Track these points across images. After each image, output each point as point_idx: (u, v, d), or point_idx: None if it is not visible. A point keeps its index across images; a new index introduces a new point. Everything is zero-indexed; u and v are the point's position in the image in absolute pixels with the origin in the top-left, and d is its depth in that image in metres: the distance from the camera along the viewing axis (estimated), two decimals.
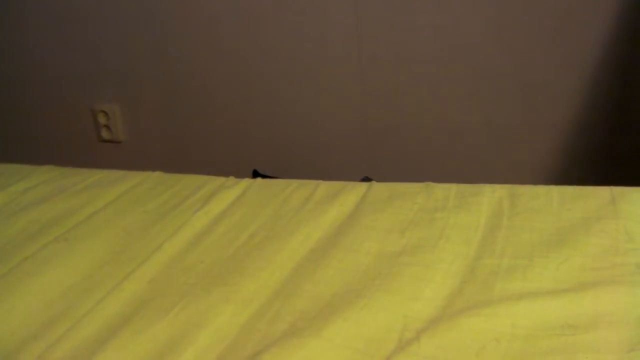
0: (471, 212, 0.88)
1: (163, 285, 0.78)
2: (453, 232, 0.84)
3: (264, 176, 1.24)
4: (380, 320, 0.67)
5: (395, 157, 2.00)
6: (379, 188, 0.98)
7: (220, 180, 1.07)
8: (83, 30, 2.18)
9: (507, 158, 1.88)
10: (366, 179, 1.83)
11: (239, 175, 1.10)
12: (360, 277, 0.76)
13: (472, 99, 1.84)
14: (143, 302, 0.74)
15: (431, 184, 0.97)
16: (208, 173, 1.12)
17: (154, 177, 1.14)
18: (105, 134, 2.30)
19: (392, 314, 0.68)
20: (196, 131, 2.18)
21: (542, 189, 0.94)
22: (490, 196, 0.92)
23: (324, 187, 0.99)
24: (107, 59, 2.20)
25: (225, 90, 2.03)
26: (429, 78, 1.86)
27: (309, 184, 1.01)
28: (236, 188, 1.03)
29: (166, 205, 1.00)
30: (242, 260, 0.82)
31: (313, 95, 1.94)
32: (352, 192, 0.96)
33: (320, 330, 0.64)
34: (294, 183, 1.02)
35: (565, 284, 0.71)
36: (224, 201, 0.99)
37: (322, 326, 0.65)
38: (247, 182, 1.05)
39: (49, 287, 0.80)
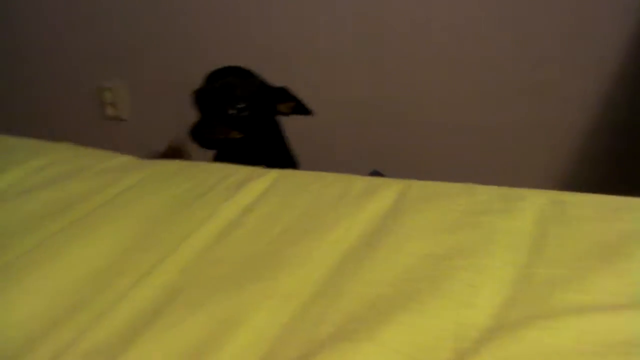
0: (517, 217, 0.84)
1: (195, 277, 0.73)
2: (500, 237, 0.79)
3: None
4: (433, 326, 0.62)
5: (404, 153, 1.97)
6: (418, 186, 0.93)
7: (247, 169, 1.02)
8: (89, 6, 2.14)
9: (510, 158, 1.86)
10: (375, 173, 1.79)
11: None
12: (406, 278, 0.71)
13: (482, 98, 1.82)
14: (175, 292, 0.70)
15: (472, 185, 0.93)
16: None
17: (174, 165, 1.09)
18: (110, 111, 2.25)
19: (444, 320, 0.63)
20: None
21: (587, 197, 0.90)
22: (535, 202, 0.88)
23: (360, 182, 0.94)
24: (112, 36, 2.16)
25: None
26: (439, 75, 1.84)
27: (344, 178, 0.96)
28: (265, 178, 0.98)
29: (191, 194, 0.95)
30: (276, 255, 0.77)
31: (320, 90, 1.92)
32: (390, 189, 0.91)
33: (373, 334, 0.60)
34: (329, 176, 0.97)
35: (625, 299, 0.66)
36: (253, 192, 0.93)
37: (375, 329, 0.60)
38: (276, 172, 1.00)
39: (68, 273, 0.76)
